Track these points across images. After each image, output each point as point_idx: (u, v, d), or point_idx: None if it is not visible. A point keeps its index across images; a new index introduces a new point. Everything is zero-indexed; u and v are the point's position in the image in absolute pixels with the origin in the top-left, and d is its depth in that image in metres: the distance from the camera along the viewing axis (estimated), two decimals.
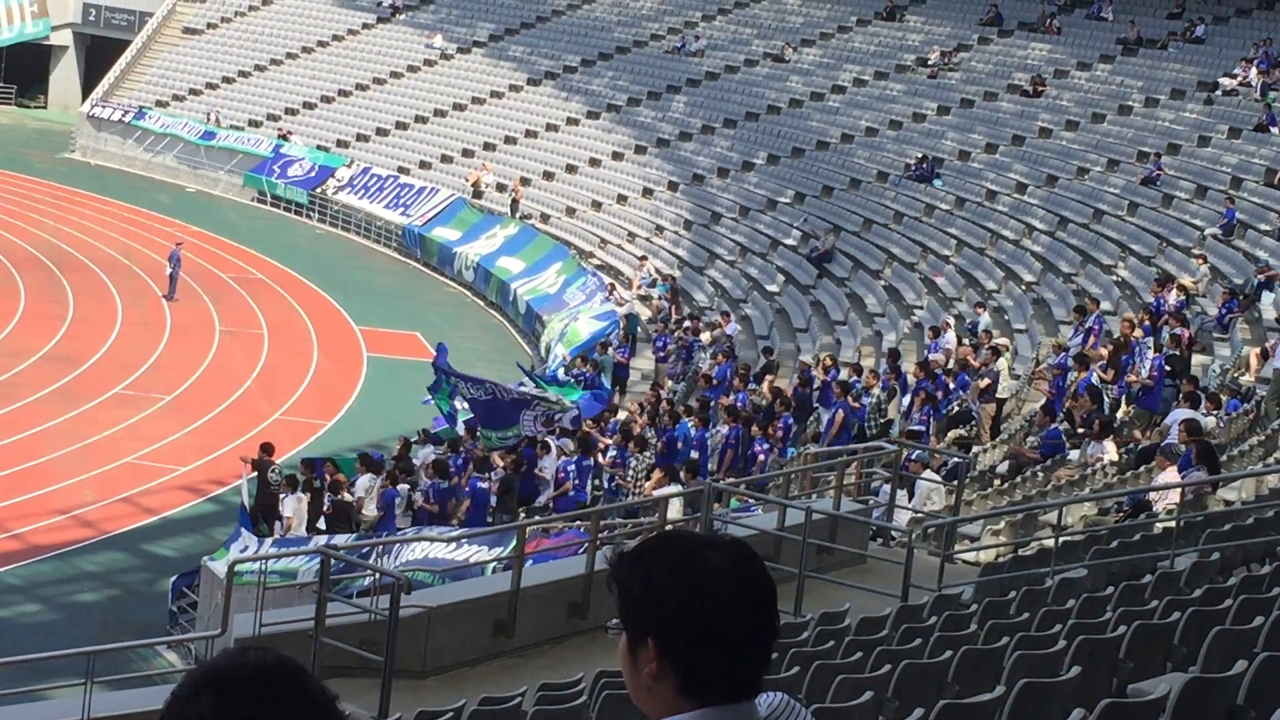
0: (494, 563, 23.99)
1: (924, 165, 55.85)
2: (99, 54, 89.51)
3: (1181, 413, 27.44)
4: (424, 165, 70.30)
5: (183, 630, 27.25)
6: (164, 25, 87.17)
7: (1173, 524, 21.16)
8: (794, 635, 16.32)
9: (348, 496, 30.06)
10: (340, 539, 26.68)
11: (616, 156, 66.60)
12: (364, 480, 30.43)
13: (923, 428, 32.28)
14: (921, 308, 45.65)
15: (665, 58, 73.19)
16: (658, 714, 3.74)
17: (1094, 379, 31.56)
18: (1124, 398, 31.83)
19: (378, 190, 68.14)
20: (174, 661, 25.78)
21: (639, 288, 53.25)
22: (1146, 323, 34.84)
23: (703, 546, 3.74)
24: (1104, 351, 33.16)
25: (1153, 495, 24.17)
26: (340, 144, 73.52)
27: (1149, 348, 32.41)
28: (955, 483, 26.16)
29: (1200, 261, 40.90)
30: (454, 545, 25.57)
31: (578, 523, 26.33)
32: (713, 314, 48.51)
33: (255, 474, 30.95)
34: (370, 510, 30.01)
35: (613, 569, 3.82)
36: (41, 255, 57.38)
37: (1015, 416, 34.40)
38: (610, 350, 44.13)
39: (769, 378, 38.19)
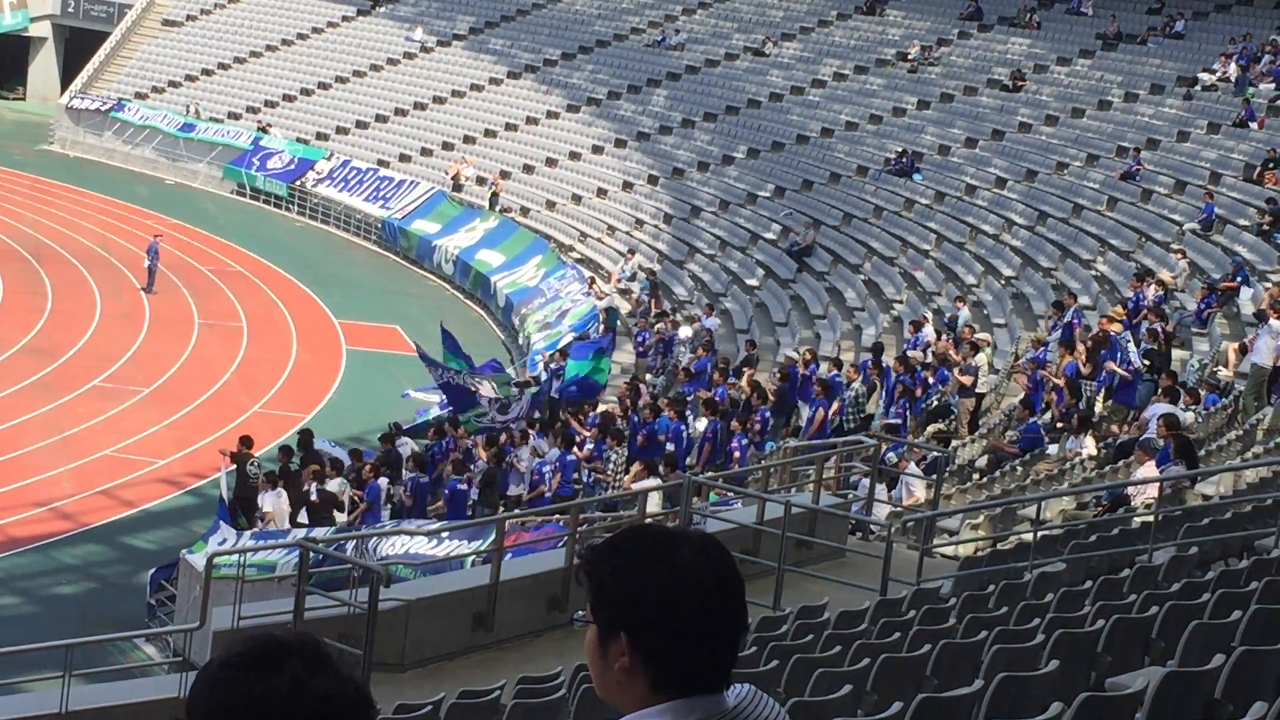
0: (473, 556, 23.98)
1: (903, 160, 55.89)
2: (78, 46, 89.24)
3: (1160, 407, 27.51)
4: (404, 158, 70.22)
5: (161, 623, 27.19)
6: (143, 17, 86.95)
7: (1151, 518, 21.22)
8: (773, 629, 16.34)
9: (331, 487, 30.04)
10: (319, 532, 26.68)
11: (596, 150, 66.58)
12: (334, 484, 30.39)
13: (899, 421, 32.33)
14: (901, 302, 45.69)
15: (645, 51, 73.15)
16: (627, 707, 3.75)
17: (1076, 370, 31.59)
18: (1102, 393, 31.88)
19: (357, 183, 68.04)
20: (152, 654, 25.70)
21: (618, 281, 53.25)
22: (1124, 317, 34.90)
23: (676, 541, 3.76)
24: (1082, 348, 33.19)
25: (1131, 490, 24.24)
26: (320, 137, 73.39)
27: (1129, 341, 32.45)
28: (934, 477, 26.20)
29: (1179, 256, 40.98)
30: (434, 541, 25.55)
31: (557, 516, 26.32)
32: (693, 308, 48.53)
33: (234, 467, 30.89)
34: (342, 517, 29.94)
35: (585, 563, 3.83)
36: (20, 247, 57.23)
37: (994, 411, 34.46)
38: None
39: (748, 371, 38.18)
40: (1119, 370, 31.09)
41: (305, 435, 32.76)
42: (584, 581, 3.80)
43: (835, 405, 33.45)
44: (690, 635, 3.68)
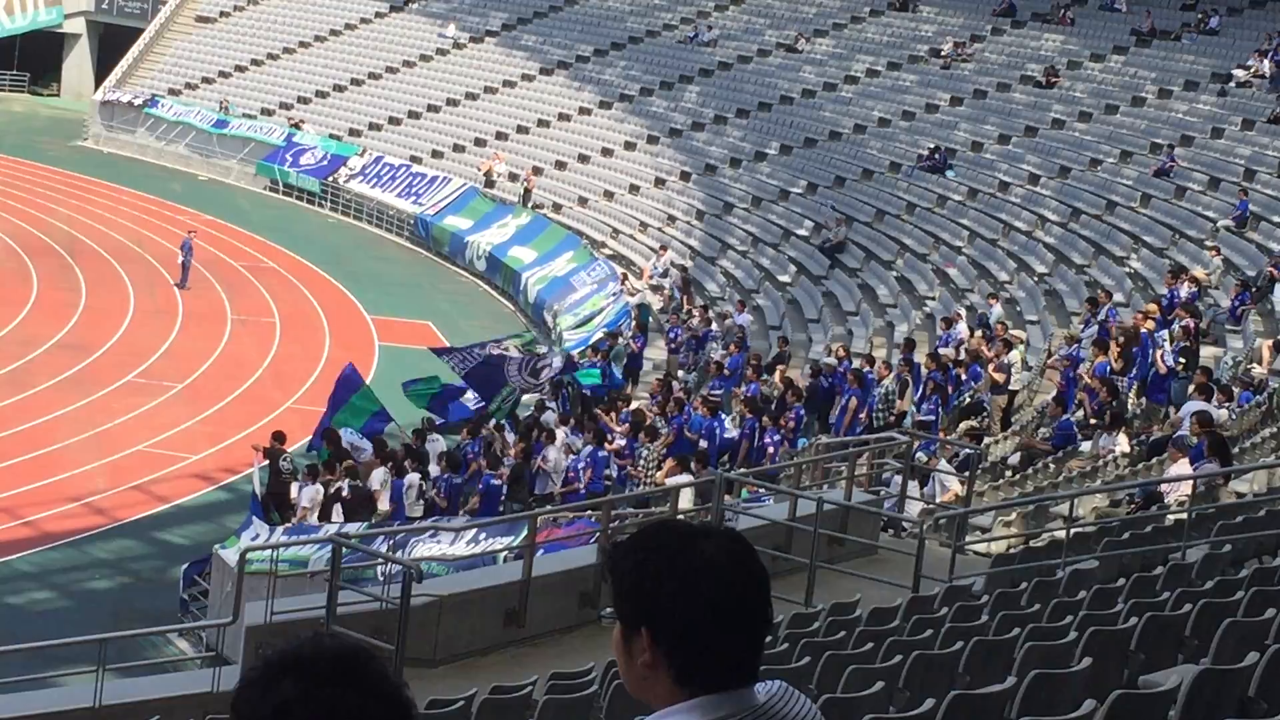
0: (505, 552, 24.00)
1: (936, 156, 55.78)
2: (112, 42, 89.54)
3: (1194, 405, 27.41)
4: (436, 154, 70.29)
5: (194, 618, 27.31)
6: (177, 13, 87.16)
7: (1184, 516, 21.16)
8: (805, 625, 16.33)
9: (374, 480, 30.12)
10: (352, 528, 26.72)
11: (629, 146, 66.55)
12: (378, 473, 30.41)
13: (932, 418, 32.27)
14: (934, 299, 45.60)
15: (678, 47, 73.12)
16: (654, 702, 3.75)
17: (1109, 369, 31.50)
18: (1134, 389, 31.78)
19: (390, 179, 68.13)
20: (185, 649, 25.82)
21: (650, 277, 53.24)
22: (1159, 315, 34.79)
23: (697, 536, 3.76)
24: (1115, 347, 33.07)
25: (1164, 487, 24.17)
26: (353, 133, 73.50)
27: (1165, 340, 32.32)
28: (966, 474, 26.16)
29: (1213, 253, 40.84)
30: (469, 542, 25.56)
31: (589, 512, 26.33)
32: (725, 304, 48.51)
33: (267, 462, 30.96)
34: (384, 504, 30.00)
35: (608, 558, 3.85)
36: (54, 243, 57.44)
37: (1027, 408, 34.38)
38: (622, 340, 44.11)
39: (780, 367, 38.17)
40: (1160, 363, 30.92)
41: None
42: (608, 576, 3.82)
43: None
44: (710, 630, 3.68)
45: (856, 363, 36.76)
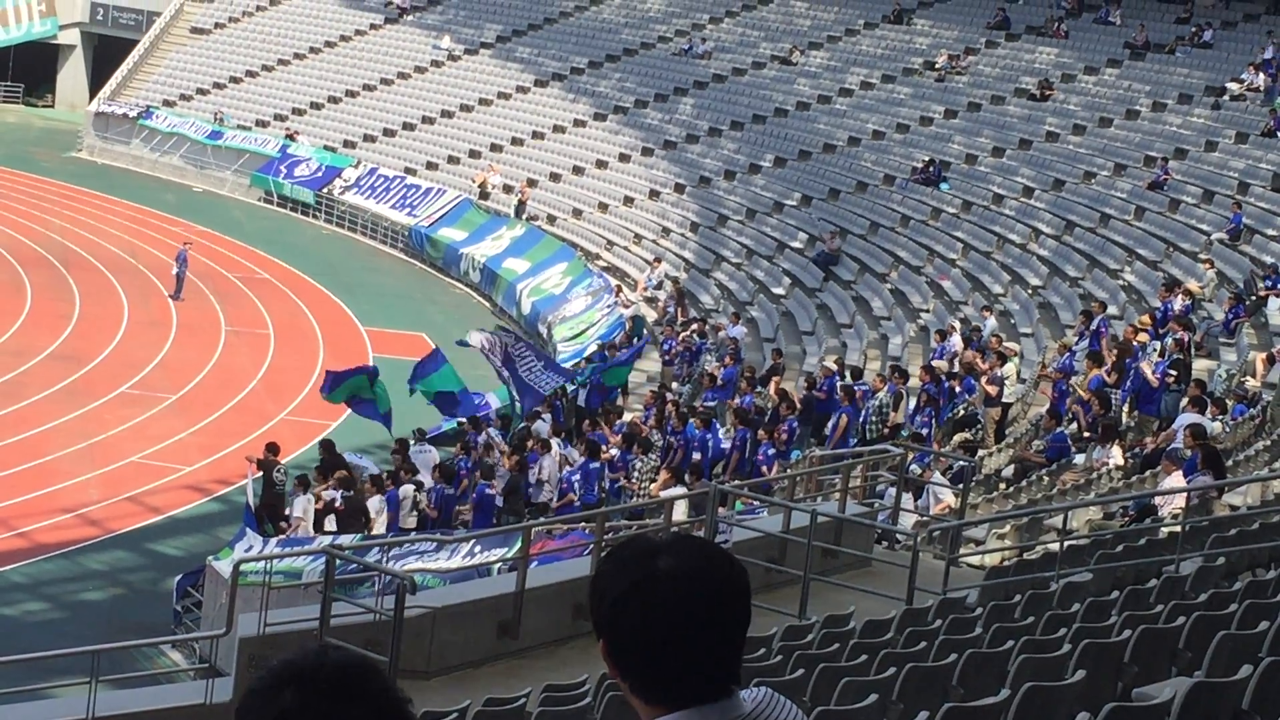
0: (499, 563, 23.97)
1: (930, 169, 55.81)
2: (106, 53, 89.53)
3: (1188, 417, 27.43)
4: (431, 166, 70.30)
5: (187, 629, 27.27)
6: (171, 25, 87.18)
7: (1178, 528, 21.17)
8: (799, 638, 16.33)
9: (371, 507, 30.12)
10: (346, 539, 26.69)
11: (623, 158, 66.57)
12: (374, 501, 30.40)
13: (925, 430, 32.26)
14: (928, 311, 45.62)
15: (673, 60, 73.17)
16: (641, 714, 3.72)
17: (1102, 382, 31.51)
18: (1127, 403, 31.79)
19: (384, 191, 68.13)
20: (178, 661, 25.79)
21: (644, 289, 53.24)
22: (1151, 327, 34.81)
23: (653, 552, 3.68)
24: (1109, 359, 33.09)
25: (1158, 500, 24.17)
26: (347, 144, 73.50)
27: (1155, 352, 32.35)
28: (960, 486, 26.16)
29: (1207, 266, 40.88)
30: (464, 555, 25.53)
31: (583, 524, 26.32)
32: (720, 316, 48.52)
33: (260, 474, 30.95)
34: (380, 528, 29.97)
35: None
36: (48, 254, 57.40)
37: (1021, 420, 34.39)
38: (616, 352, 44.09)
39: (775, 379, 38.15)
40: (1148, 374, 30.94)
41: (327, 445, 32.80)
42: None
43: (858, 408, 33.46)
44: (657, 645, 3.62)
45: (848, 376, 36.73)
